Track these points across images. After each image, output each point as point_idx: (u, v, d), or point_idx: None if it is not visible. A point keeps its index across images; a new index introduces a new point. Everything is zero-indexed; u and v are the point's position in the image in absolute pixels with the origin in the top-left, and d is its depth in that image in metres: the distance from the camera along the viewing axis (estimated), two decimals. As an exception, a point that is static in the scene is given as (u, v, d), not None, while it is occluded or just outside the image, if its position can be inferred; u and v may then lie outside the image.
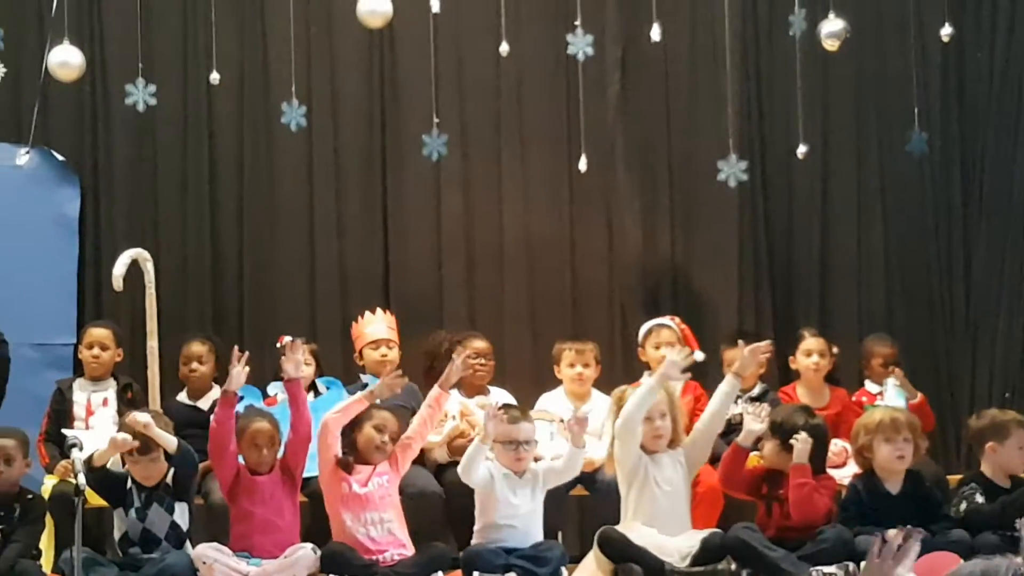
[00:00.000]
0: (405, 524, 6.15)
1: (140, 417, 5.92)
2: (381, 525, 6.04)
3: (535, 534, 6.09)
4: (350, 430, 6.16)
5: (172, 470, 6.03)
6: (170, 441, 5.97)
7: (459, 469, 6.07)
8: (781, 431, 6.17)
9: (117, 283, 6.85)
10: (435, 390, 6.31)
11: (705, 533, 6.03)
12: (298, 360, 6.19)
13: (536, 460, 6.29)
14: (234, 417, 6.09)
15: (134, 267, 6.96)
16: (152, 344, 6.94)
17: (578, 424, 6.12)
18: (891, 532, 3.20)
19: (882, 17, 7.96)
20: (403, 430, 6.26)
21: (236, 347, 6.29)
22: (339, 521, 6.06)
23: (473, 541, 6.11)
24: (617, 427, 6.16)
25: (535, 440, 6.22)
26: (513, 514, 6.07)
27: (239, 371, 6.09)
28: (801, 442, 6.09)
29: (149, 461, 6.00)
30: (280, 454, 6.19)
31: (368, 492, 6.05)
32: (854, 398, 7.10)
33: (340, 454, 6.11)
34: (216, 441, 6.07)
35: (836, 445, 6.55)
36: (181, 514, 6.06)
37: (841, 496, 6.28)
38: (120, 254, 7.23)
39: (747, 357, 6.29)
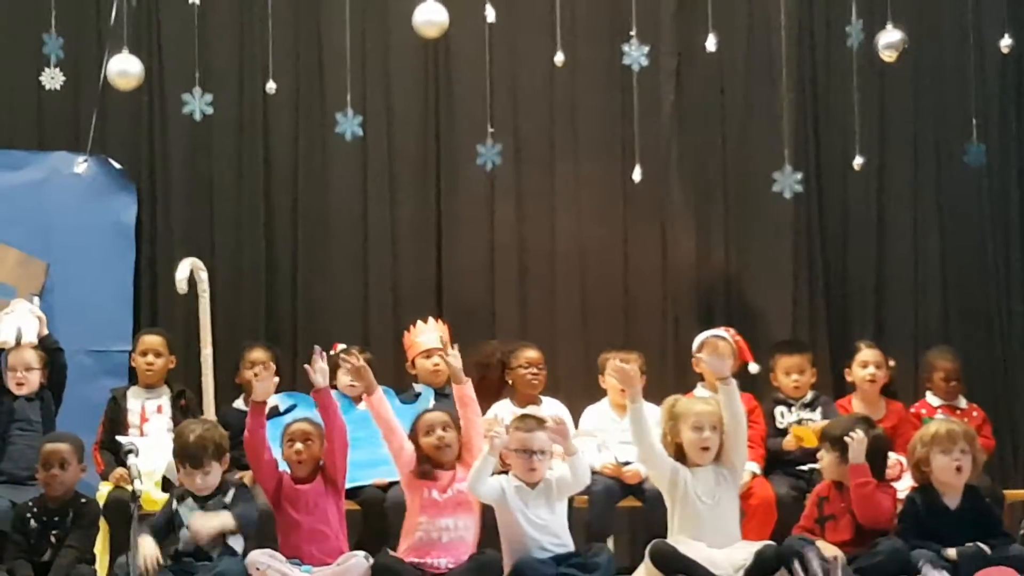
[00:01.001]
0: (478, 531, 6.15)
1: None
2: (454, 531, 6.05)
3: (563, 542, 6.05)
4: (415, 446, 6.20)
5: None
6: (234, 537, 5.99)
7: (467, 482, 6.05)
8: (840, 443, 6.12)
9: (181, 286, 6.89)
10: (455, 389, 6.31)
11: (759, 545, 5.98)
12: (325, 369, 6.21)
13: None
14: (264, 426, 6.13)
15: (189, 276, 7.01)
16: (207, 352, 6.97)
17: (557, 432, 6.08)
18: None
19: (940, 28, 7.92)
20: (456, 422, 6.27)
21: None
22: (414, 522, 6.07)
23: (504, 557, 6.05)
24: (638, 456, 6.13)
25: (550, 451, 6.17)
26: (531, 526, 6.01)
27: (267, 382, 6.13)
28: (856, 441, 6.06)
29: (203, 474, 6.02)
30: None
31: (446, 499, 6.07)
32: (913, 410, 7.05)
33: (414, 453, 6.14)
34: (250, 450, 6.12)
35: (891, 458, 6.49)
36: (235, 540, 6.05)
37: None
38: (176, 262, 7.31)
39: (707, 360, 6.32)
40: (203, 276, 7.05)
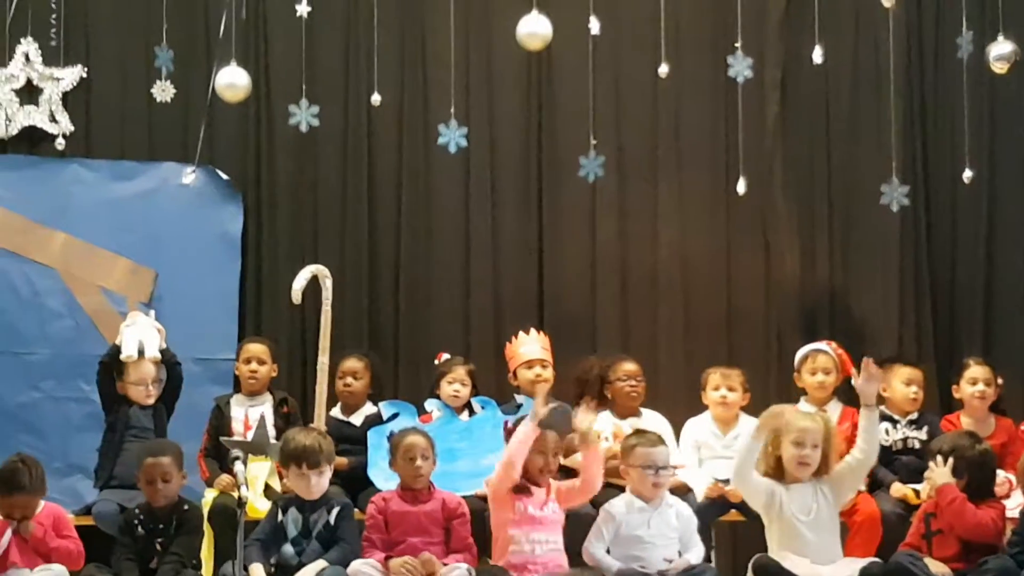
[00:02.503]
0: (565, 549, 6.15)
1: None
2: (547, 544, 6.04)
3: (670, 553, 6.06)
4: None
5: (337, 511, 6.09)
6: None
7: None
8: (946, 459, 6.06)
9: (296, 296, 6.95)
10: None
11: (864, 562, 5.91)
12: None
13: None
14: None
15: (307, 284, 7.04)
16: (323, 360, 7.00)
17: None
18: None
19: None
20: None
21: None
22: (506, 536, 6.05)
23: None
24: (732, 477, 6.12)
25: (672, 467, 6.18)
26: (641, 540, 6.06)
27: None
28: (937, 465, 6.04)
29: (318, 474, 6.06)
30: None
31: (543, 515, 6.06)
32: (1022, 427, 6.92)
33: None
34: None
35: (999, 476, 6.38)
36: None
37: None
38: (280, 271, 7.38)
39: (861, 384, 6.11)
40: (328, 284, 7.07)
